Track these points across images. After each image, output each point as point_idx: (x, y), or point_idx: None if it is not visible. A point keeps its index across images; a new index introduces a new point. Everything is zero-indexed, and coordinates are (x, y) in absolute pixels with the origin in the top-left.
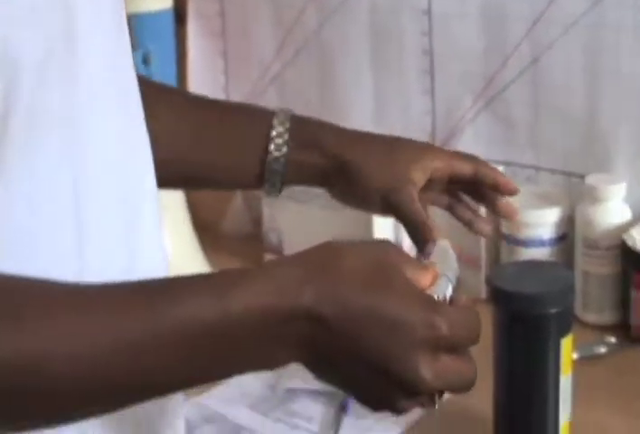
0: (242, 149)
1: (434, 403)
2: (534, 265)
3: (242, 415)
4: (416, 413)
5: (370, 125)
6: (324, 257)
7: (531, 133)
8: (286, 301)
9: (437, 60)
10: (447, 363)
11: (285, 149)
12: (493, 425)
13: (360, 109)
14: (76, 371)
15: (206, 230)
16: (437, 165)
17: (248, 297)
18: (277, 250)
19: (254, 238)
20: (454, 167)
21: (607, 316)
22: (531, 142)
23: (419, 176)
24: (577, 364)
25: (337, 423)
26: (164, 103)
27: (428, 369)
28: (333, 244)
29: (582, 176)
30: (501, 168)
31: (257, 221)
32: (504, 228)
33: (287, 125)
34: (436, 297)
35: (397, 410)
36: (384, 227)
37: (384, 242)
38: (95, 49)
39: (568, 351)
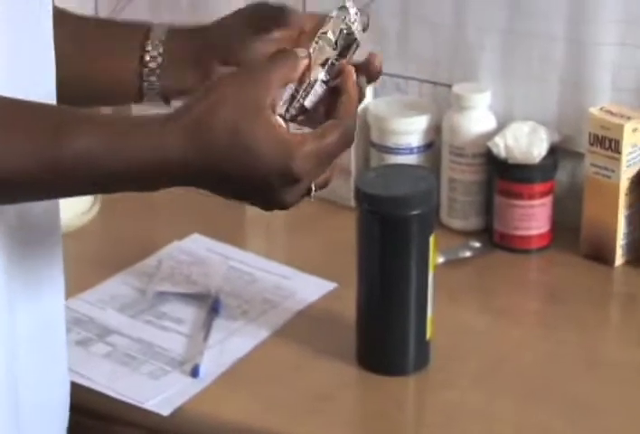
0: (120, 61)
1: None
2: (398, 169)
3: (111, 317)
4: (284, 316)
5: None
6: (200, 113)
7: (399, 43)
8: (160, 155)
9: None
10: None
11: (160, 60)
12: (355, 325)
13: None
14: None
15: None
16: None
17: (131, 151)
18: None
19: None
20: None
21: (472, 222)
22: (399, 52)
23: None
24: (442, 267)
25: (208, 325)
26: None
27: (291, 197)
28: (210, 93)
29: (449, 86)
30: None
31: None
32: (373, 136)
33: (163, 37)
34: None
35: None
36: None
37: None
38: None
39: (432, 250)
